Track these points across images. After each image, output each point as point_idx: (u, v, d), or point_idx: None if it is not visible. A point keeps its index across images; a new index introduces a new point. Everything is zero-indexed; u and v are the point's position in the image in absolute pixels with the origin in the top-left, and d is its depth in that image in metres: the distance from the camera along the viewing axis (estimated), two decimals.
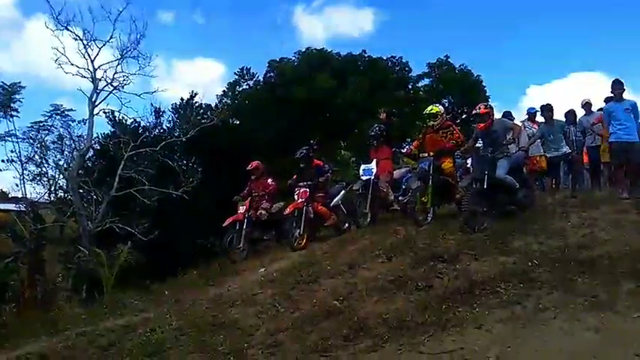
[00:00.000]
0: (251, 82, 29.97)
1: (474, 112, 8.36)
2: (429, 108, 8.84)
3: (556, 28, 53.33)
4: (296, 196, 9.01)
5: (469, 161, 9.21)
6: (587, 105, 10.80)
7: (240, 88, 30.02)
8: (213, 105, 22.82)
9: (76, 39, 13.58)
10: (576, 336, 3.82)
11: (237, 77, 30.23)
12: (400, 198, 9.09)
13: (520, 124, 11.29)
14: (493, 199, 7.45)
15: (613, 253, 5.35)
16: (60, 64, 13.42)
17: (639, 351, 3.45)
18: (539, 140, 10.06)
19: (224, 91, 30.18)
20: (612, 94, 8.84)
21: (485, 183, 7.31)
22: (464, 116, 28.53)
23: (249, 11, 53.25)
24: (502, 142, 7.71)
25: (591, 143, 10.59)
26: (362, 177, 9.14)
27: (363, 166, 9.26)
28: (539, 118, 10.55)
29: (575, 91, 46.94)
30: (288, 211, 8.79)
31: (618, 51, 53.80)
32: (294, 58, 29.19)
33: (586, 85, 46.55)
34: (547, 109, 9.87)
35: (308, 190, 8.94)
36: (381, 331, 4.31)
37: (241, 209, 9.30)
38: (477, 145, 8.38)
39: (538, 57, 55.93)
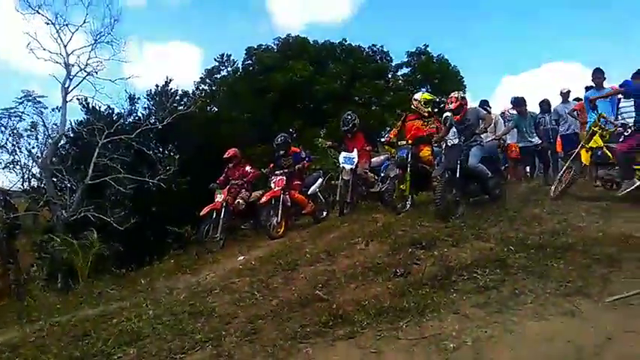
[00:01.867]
0: (230, 69, 29.61)
1: (446, 107, 8.31)
2: (424, 95, 8.87)
3: (530, 18, 53.91)
4: (272, 185, 8.96)
5: None
6: (566, 94, 10.98)
7: (219, 75, 29.63)
8: (190, 92, 22.54)
9: (47, 23, 13.25)
10: (551, 320, 3.88)
11: (216, 64, 29.83)
12: (378, 185, 9.11)
13: (505, 112, 11.53)
14: (465, 188, 7.50)
15: (587, 240, 5.47)
16: (32, 50, 13.11)
17: (611, 334, 3.52)
18: (515, 130, 10.27)
19: (201, 77, 29.78)
20: (593, 83, 9.02)
21: (458, 172, 7.33)
22: (442, 105, 28.68)
23: None
24: (475, 130, 7.70)
25: (565, 131, 10.78)
26: (343, 165, 9.08)
27: (343, 154, 9.19)
28: None
29: (548, 80, 47.93)
30: (264, 199, 8.73)
31: (592, 41, 54.63)
32: (273, 45, 28.93)
33: (558, 75, 47.69)
34: (519, 104, 10.14)
35: (285, 178, 8.89)
36: (359, 318, 4.31)
37: (219, 198, 9.12)
38: (450, 133, 8.45)
39: (512, 47, 56.63)
